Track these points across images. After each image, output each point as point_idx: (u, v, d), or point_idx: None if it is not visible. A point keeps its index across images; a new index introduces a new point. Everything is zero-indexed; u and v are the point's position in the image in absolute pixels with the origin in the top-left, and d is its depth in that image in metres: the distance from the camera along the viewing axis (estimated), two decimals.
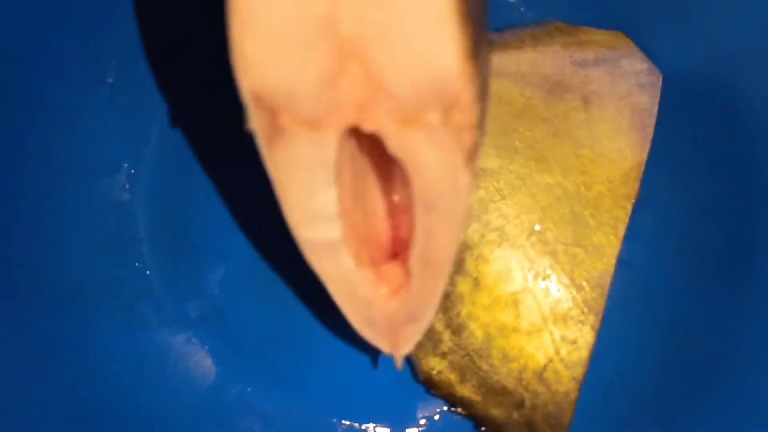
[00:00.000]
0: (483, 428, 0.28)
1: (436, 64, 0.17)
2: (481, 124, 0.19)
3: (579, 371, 0.27)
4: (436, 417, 0.29)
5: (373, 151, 0.23)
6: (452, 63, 0.17)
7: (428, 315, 0.23)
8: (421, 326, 0.24)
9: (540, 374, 0.27)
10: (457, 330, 0.28)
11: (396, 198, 0.24)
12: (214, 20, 0.30)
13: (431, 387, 0.29)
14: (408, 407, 0.30)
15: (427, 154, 0.19)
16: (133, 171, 0.30)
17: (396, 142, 0.19)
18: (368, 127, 0.18)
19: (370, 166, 0.23)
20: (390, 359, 0.30)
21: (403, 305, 0.23)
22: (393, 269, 0.23)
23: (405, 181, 0.23)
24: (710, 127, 0.30)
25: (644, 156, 0.28)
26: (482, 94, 0.19)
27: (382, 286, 0.23)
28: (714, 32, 0.29)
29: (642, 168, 0.28)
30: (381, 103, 0.18)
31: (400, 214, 0.24)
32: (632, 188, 0.28)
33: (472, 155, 0.19)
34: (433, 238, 0.21)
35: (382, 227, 0.24)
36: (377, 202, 0.24)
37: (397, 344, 0.24)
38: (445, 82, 0.17)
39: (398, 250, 0.24)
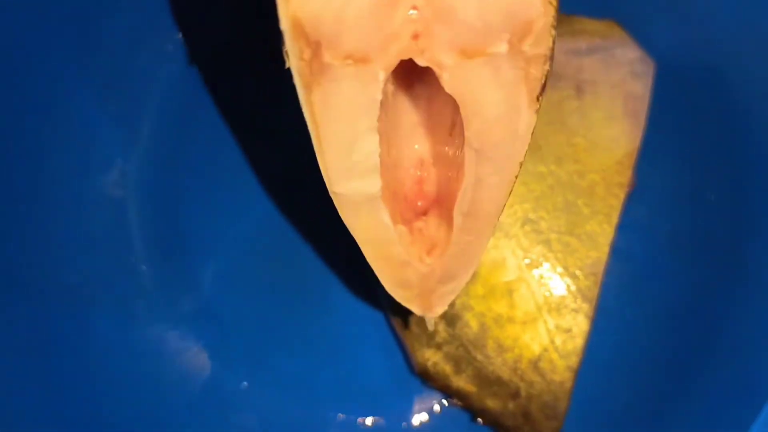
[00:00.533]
0: (479, 419, 0.28)
1: None
2: (552, 56, 0.17)
3: (574, 360, 0.27)
4: (433, 409, 0.29)
5: (406, 91, 0.22)
6: None
7: (466, 274, 0.21)
8: (458, 285, 0.22)
9: (535, 364, 0.27)
10: (451, 321, 0.28)
11: (425, 147, 0.22)
12: (205, 17, 0.31)
13: (427, 379, 0.28)
14: (404, 400, 0.29)
15: (488, 91, 0.17)
16: (125, 168, 0.30)
17: (453, 78, 0.17)
18: (424, 60, 0.17)
19: (401, 111, 0.22)
20: (385, 351, 0.30)
21: (440, 263, 0.21)
22: (425, 226, 0.22)
23: (439, 128, 0.21)
24: (703, 115, 0.30)
25: (637, 144, 0.28)
26: (557, 21, 0.17)
27: (417, 245, 0.22)
28: (706, 20, 0.29)
29: (635, 156, 0.28)
30: (442, 31, 0.16)
31: (426, 165, 0.22)
32: (625, 176, 0.28)
33: (538, 93, 0.17)
34: (482, 189, 0.19)
35: (408, 180, 0.22)
36: (404, 152, 0.22)
37: (430, 305, 0.23)
38: (522, 2, 0.16)
39: (426, 207, 0.22)
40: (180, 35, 0.31)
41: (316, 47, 0.17)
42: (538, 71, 0.17)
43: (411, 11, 0.16)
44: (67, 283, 0.28)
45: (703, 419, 0.26)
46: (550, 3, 0.16)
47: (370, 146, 0.18)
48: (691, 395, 0.27)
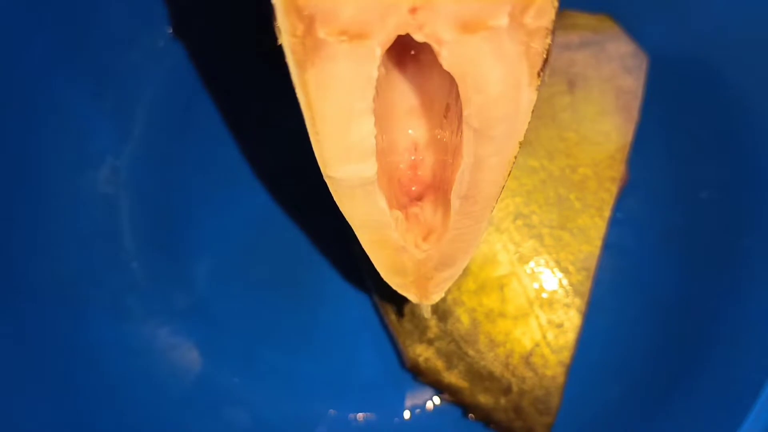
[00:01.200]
0: (471, 415, 0.28)
1: None
2: (553, 30, 0.17)
3: (566, 355, 0.27)
4: (424, 405, 0.29)
5: (399, 74, 0.21)
6: None
7: (464, 260, 0.21)
8: (455, 272, 0.21)
9: (527, 359, 0.27)
10: (443, 316, 0.28)
11: (419, 131, 0.22)
12: (196, 15, 0.31)
13: (418, 374, 0.28)
14: (396, 395, 0.29)
15: (489, 67, 0.17)
16: (116, 164, 0.30)
17: (452, 54, 0.17)
18: (422, 35, 0.16)
19: (394, 94, 0.21)
20: (377, 347, 0.30)
21: (437, 249, 0.21)
22: (420, 212, 0.22)
23: (433, 111, 0.21)
24: (697, 110, 0.30)
25: (629, 138, 0.28)
26: None
27: (413, 230, 0.21)
28: (700, 15, 0.29)
29: (627, 150, 0.28)
30: (442, 4, 0.16)
31: (420, 150, 0.22)
32: (617, 171, 0.28)
33: (539, 68, 0.17)
34: (481, 170, 0.19)
35: (402, 165, 0.22)
36: (398, 137, 0.22)
37: (426, 292, 0.22)
38: None
39: (421, 192, 0.22)
40: (172, 32, 0.31)
41: (309, 22, 0.16)
42: (539, 45, 0.16)
43: None
44: (58, 280, 0.28)
45: (695, 415, 0.25)
46: None
47: (366, 128, 0.18)
48: (682, 390, 0.26)
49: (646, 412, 0.27)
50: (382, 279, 0.29)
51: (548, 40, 0.17)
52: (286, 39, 0.16)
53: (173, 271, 0.30)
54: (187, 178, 0.31)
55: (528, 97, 0.17)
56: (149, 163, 0.30)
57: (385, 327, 0.29)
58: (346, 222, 0.30)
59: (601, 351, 0.29)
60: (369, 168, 0.19)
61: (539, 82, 0.17)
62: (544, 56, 0.17)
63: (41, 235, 0.28)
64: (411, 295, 0.22)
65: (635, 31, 0.30)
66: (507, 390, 0.27)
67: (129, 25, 0.30)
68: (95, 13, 0.29)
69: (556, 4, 0.16)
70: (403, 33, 0.17)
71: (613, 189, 0.28)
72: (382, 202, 0.20)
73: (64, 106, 0.29)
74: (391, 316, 0.28)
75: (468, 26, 0.16)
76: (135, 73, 0.30)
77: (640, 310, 0.29)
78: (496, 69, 0.17)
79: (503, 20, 0.16)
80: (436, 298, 0.22)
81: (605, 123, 0.28)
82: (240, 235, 0.30)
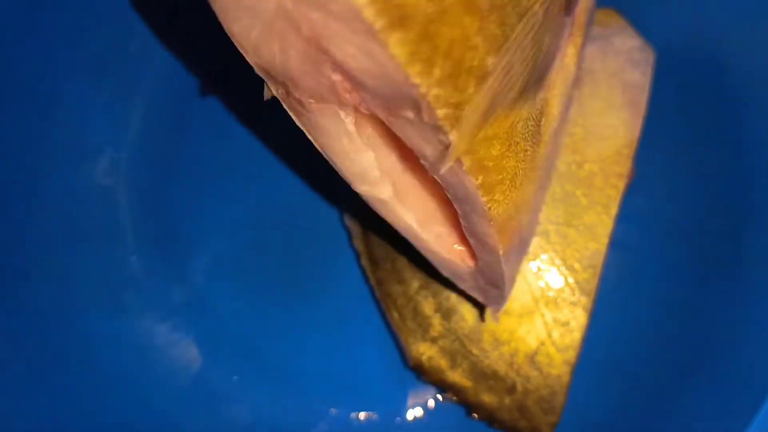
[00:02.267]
0: (475, 414, 0.28)
1: (381, 64, 0.14)
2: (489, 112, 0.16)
3: (572, 354, 0.26)
4: (427, 404, 0.29)
5: None
6: (393, 66, 0.13)
7: (506, 284, 0.21)
8: (503, 292, 0.22)
9: (531, 358, 0.26)
10: (447, 314, 0.27)
11: None
12: (195, 8, 0.30)
13: (422, 373, 0.28)
14: (398, 395, 0.29)
15: (421, 144, 0.17)
16: (115, 156, 0.30)
17: (394, 128, 0.17)
18: (364, 110, 0.17)
19: None
20: (380, 345, 0.29)
21: (479, 270, 0.22)
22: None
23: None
24: (704, 105, 0.29)
25: (636, 133, 0.28)
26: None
27: (460, 245, 0.22)
28: (706, 8, 0.29)
29: (635, 145, 0.28)
30: (362, 92, 0.16)
31: None
32: (624, 166, 0.27)
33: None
34: (471, 220, 0.19)
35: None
36: None
37: (487, 301, 0.23)
38: (398, 84, 0.14)
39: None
40: (171, 23, 0.30)
41: (284, 87, 0.18)
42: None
43: (335, 71, 0.16)
44: (55, 274, 0.28)
45: (701, 414, 0.25)
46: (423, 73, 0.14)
47: (366, 161, 0.19)
48: (689, 390, 0.26)
49: (652, 411, 0.27)
50: (382, 276, 0.28)
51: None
52: (276, 95, 0.18)
53: (172, 266, 0.30)
54: (187, 172, 0.30)
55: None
56: (148, 156, 0.30)
57: (388, 325, 0.29)
58: (346, 218, 0.29)
59: (606, 350, 0.28)
60: (383, 191, 0.20)
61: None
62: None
63: (39, 228, 0.28)
64: (477, 297, 0.24)
65: (641, 25, 0.30)
66: (511, 389, 0.27)
67: (128, 16, 0.29)
68: (94, 4, 0.28)
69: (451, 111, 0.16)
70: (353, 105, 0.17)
71: (620, 185, 0.27)
72: (410, 220, 0.21)
73: (62, 97, 0.28)
74: (394, 314, 0.28)
75: (389, 111, 0.16)
76: (134, 65, 0.30)
77: (647, 308, 0.29)
78: (428, 149, 0.16)
79: (410, 113, 0.15)
80: (497, 307, 0.24)
81: (612, 117, 0.28)
82: (240, 230, 0.30)
